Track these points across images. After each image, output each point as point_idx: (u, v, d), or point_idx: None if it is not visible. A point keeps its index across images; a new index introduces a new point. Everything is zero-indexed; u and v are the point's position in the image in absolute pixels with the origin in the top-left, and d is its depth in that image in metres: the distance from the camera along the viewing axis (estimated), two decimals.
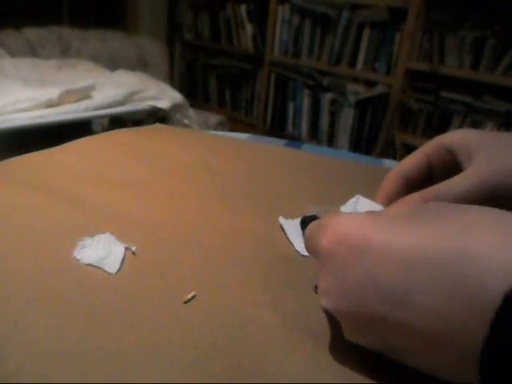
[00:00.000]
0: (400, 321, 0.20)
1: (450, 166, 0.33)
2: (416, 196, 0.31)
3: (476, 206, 0.21)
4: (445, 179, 0.31)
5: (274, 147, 0.63)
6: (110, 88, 1.44)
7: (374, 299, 0.20)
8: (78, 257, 0.31)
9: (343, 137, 2.15)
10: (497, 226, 0.19)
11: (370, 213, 0.24)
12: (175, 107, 1.56)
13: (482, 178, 0.29)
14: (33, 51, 1.99)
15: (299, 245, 0.36)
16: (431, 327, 0.19)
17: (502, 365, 0.17)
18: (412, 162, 0.35)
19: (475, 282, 0.18)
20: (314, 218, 0.38)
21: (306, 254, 0.35)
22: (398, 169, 0.35)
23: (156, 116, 1.53)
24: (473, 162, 0.30)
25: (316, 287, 0.30)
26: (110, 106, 1.37)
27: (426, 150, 0.35)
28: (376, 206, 0.35)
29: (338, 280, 0.22)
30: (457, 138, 0.33)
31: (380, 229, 0.21)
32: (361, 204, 0.36)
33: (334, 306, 0.23)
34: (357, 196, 0.36)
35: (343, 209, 0.39)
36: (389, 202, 0.35)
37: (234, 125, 2.49)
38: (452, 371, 0.20)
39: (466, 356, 0.18)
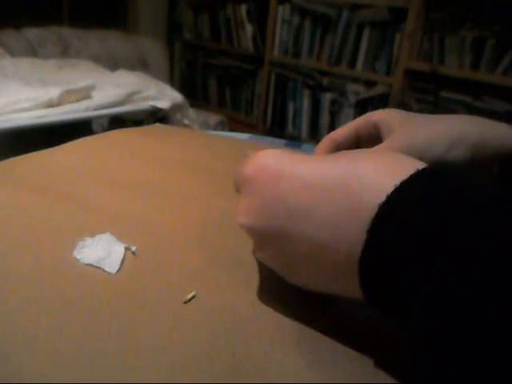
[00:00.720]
0: (301, 232, 0.24)
1: (374, 139, 0.38)
2: None
3: (369, 149, 0.25)
4: None
5: (274, 147, 0.63)
6: (110, 88, 1.44)
7: (283, 215, 0.24)
8: (78, 257, 0.31)
9: None
10: (380, 157, 0.23)
11: (287, 150, 0.29)
12: (175, 107, 1.57)
13: (392, 147, 0.34)
14: (33, 51, 1.99)
15: None
16: (324, 235, 0.23)
17: (377, 267, 0.21)
18: (344, 131, 0.40)
19: (357, 196, 0.22)
20: None
21: None
22: (331, 135, 0.40)
23: (156, 116, 1.53)
24: (389, 137, 0.36)
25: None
26: (110, 106, 1.37)
27: (357, 123, 0.39)
28: None
29: (257, 200, 0.26)
30: (383, 116, 0.38)
31: (292, 161, 0.26)
32: None
33: (250, 222, 0.26)
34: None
35: None
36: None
37: (234, 125, 2.49)
38: (337, 281, 0.23)
39: (349, 263, 0.22)
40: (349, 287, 0.23)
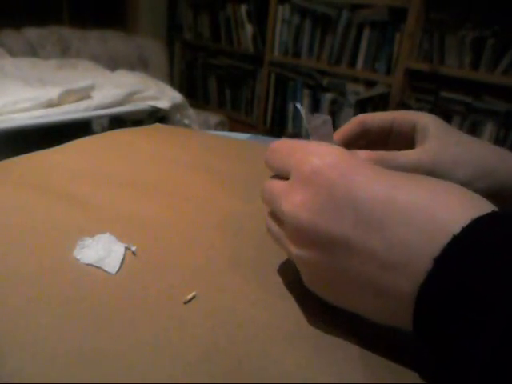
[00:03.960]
0: (367, 246, 0.22)
1: (406, 138, 0.37)
2: (362, 154, 0.33)
3: (446, 181, 0.24)
4: (395, 149, 0.35)
5: None
6: (109, 88, 1.44)
7: (351, 221, 0.22)
8: (78, 257, 0.31)
9: None
10: (463, 191, 0.23)
11: (353, 152, 0.27)
12: (175, 107, 1.56)
13: (423, 159, 0.33)
14: (33, 51, 1.99)
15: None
16: (393, 255, 0.21)
17: (437, 298, 0.19)
18: (377, 118, 0.37)
19: (437, 223, 0.21)
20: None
21: None
22: (361, 118, 0.38)
23: (156, 116, 1.53)
24: (423, 144, 0.34)
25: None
26: (109, 106, 1.36)
27: (394, 116, 0.37)
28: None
29: (322, 195, 0.24)
30: (424, 119, 0.36)
31: (366, 168, 0.24)
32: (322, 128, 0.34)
33: (308, 218, 0.24)
34: (324, 118, 0.33)
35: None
36: (342, 143, 0.37)
37: (234, 125, 2.49)
38: (388, 306, 0.22)
39: (409, 289, 0.21)
40: (399, 314, 0.22)
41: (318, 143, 0.27)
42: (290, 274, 0.32)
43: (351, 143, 0.37)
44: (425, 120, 0.36)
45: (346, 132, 0.38)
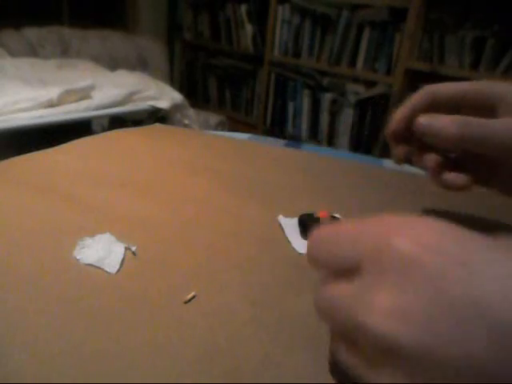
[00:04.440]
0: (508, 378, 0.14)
1: (479, 109, 0.33)
2: (445, 118, 0.31)
3: None
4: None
5: (273, 147, 0.63)
6: (109, 88, 1.44)
7: (480, 339, 0.14)
8: (78, 257, 0.31)
9: (343, 137, 2.15)
10: None
11: (449, 222, 0.18)
12: (175, 107, 1.56)
13: None
14: (33, 51, 1.99)
15: (297, 243, 0.36)
16: None
17: None
18: (448, 89, 0.34)
19: None
20: (311, 216, 0.38)
21: (303, 252, 0.35)
22: (431, 88, 0.35)
23: (156, 116, 1.53)
24: (508, 115, 0.31)
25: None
26: (109, 106, 1.36)
27: (466, 87, 0.34)
28: None
29: (426, 297, 0.15)
30: (508, 90, 0.32)
31: (485, 248, 0.16)
32: None
33: (411, 335, 0.15)
34: None
35: None
36: (412, 113, 0.35)
37: (234, 125, 2.49)
38: None
39: None
40: None
41: (399, 216, 0.19)
42: (289, 273, 0.32)
43: (419, 113, 0.34)
44: (506, 91, 0.32)
45: (415, 103, 0.35)
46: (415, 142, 0.37)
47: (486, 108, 0.33)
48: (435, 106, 0.35)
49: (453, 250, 0.16)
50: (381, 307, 0.16)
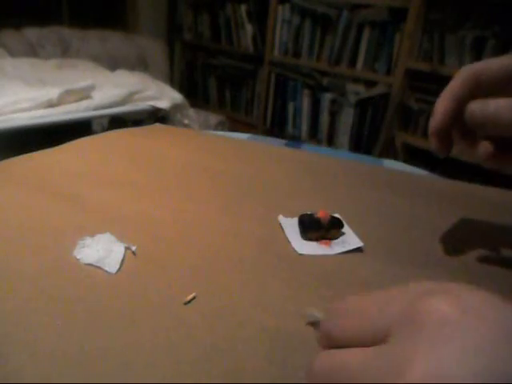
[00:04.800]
0: None
1: None
2: (503, 102, 0.29)
3: None
4: None
5: (274, 147, 0.63)
6: (109, 88, 1.44)
7: None
8: (78, 257, 0.31)
9: (343, 137, 2.15)
10: None
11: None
12: (175, 107, 1.57)
13: None
14: (33, 51, 1.99)
15: (296, 243, 0.36)
16: None
17: None
18: (495, 66, 0.31)
19: None
20: (311, 216, 0.38)
21: (303, 252, 0.35)
22: (474, 69, 0.32)
23: (156, 116, 1.53)
24: None
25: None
26: (109, 106, 1.37)
27: None
28: None
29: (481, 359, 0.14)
30: None
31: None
32: None
33: None
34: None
35: None
36: (457, 105, 0.32)
37: (234, 125, 2.49)
38: None
39: None
40: None
41: (429, 283, 0.17)
42: (289, 273, 0.32)
43: (465, 102, 0.31)
44: None
45: (457, 92, 0.32)
46: (462, 133, 0.34)
47: None
48: (480, 88, 0.32)
49: (485, 311, 0.15)
50: (425, 374, 0.14)
